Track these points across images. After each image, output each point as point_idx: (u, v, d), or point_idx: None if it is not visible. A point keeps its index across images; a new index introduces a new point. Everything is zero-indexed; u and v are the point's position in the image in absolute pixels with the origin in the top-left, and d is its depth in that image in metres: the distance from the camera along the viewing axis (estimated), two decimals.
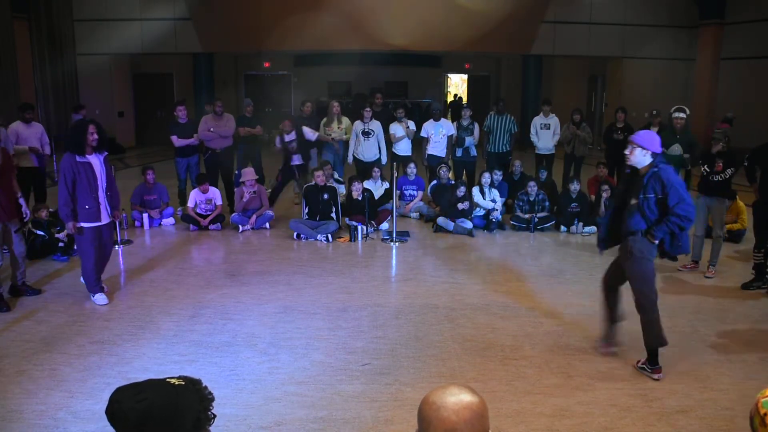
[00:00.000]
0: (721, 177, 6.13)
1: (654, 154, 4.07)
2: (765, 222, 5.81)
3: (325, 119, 9.32)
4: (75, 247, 6.83)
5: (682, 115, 6.50)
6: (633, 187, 4.15)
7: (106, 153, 5.39)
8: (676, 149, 6.47)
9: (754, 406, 1.53)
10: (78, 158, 5.09)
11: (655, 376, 4.08)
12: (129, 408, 1.43)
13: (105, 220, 5.32)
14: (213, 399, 1.55)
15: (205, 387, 1.55)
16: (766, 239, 5.82)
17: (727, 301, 5.60)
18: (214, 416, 1.55)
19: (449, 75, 22.00)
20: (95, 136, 5.10)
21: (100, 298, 5.35)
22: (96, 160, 5.20)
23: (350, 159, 9.23)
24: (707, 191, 6.25)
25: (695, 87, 15.99)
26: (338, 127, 9.20)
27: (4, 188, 5.27)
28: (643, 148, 4.07)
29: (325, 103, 12.96)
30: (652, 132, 4.36)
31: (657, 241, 4.05)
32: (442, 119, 9.44)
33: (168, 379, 1.52)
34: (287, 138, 9.00)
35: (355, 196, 7.96)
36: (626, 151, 4.17)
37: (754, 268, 5.93)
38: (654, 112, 8.91)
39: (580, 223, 8.14)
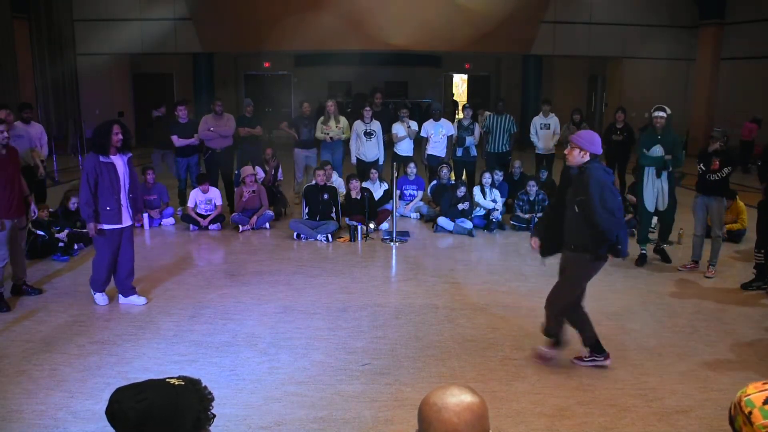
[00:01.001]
0: (718, 176, 6.08)
1: (593, 155, 3.94)
2: None
3: (322, 118, 9.32)
4: (75, 246, 6.86)
5: (662, 114, 6.22)
6: (569, 188, 4.05)
7: (131, 154, 5.24)
8: (657, 150, 6.22)
9: (735, 406, 1.52)
10: (101, 158, 4.96)
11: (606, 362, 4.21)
12: (129, 408, 1.43)
13: (126, 222, 5.18)
14: (213, 399, 1.55)
15: (205, 387, 1.55)
16: None
17: (727, 301, 5.59)
18: (214, 416, 1.55)
19: (454, 75, 21.94)
20: (120, 136, 4.96)
21: (100, 298, 5.30)
22: (120, 161, 5.06)
23: (354, 160, 9.24)
24: (705, 191, 6.21)
25: (695, 87, 16.00)
26: (336, 126, 9.19)
27: (14, 185, 5.26)
28: (581, 149, 3.94)
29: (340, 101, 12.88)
30: (592, 132, 4.16)
31: (602, 254, 4.00)
32: (442, 119, 9.44)
33: (168, 380, 1.52)
34: (271, 169, 8.99)
35: (353, 196, 7.96)
36: (565, 151, 4.10)
37: (755, 267, 5.91)
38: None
39: None
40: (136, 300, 5.35)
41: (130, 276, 5.36)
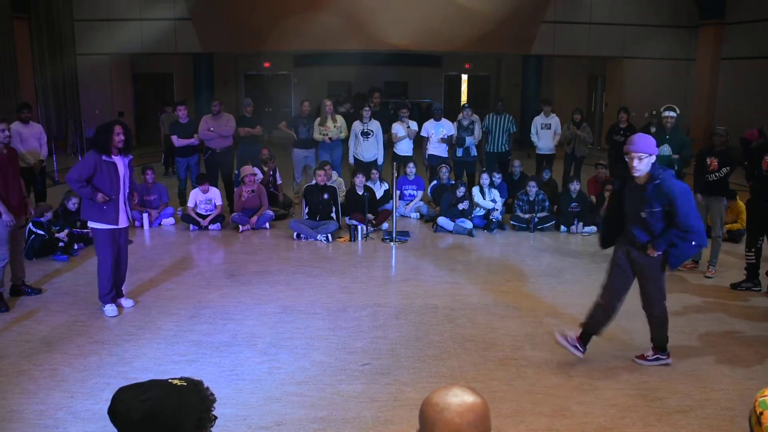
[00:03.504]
0: (716, 176, 6.11)
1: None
2: (760, 221, 5.78)
3: (318, 119, 9.32)
4: (75, 246, 6.86)
5: (672, 114, 6.37)
6: (635, 199, 3.96)
7: (131, 157, 5.18)
8: (665, 149, 6.36)
9: (752, 406, 1.53)
10: (104, 157, 4.90)
11: (668, 360, 4.26)
12: (133, 407, 1.42)
13: (123, 224, 5.10)
14: (215, 400, 1.55)
15: (207, 388, 1.55)
16: (757, 239, 5.80)
17: (727, 301, 5.60)
18: (215, 417, 1.55)
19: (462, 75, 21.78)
20: (121, 137, 4.88)
21: (110, 310, 5.09)
22: (121, 163, 5.00)
23: (351, 160, 9.24)
24: (704, 191, 6.23)
25: (695, 87, 16.00)
26: (334, 126, 9.19)
27: (16, 184, 5.25)
28: (649, 155, 3.83)
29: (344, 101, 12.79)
30: (644, 135, 4.05)
31: (659, 253, 3.98)
32: (443, 119, 9.45)
33: (170, 380, 1.52)
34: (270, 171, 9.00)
35: (357, 191, 7.94)
36: (634, 164, 3.83)
37: (746, 268, 5.90)
38: (653, 112, 8.90)
39: (580, 223, 8.14)
40: (124, 302, 5.30)
41: (123, 279, 5.32)
